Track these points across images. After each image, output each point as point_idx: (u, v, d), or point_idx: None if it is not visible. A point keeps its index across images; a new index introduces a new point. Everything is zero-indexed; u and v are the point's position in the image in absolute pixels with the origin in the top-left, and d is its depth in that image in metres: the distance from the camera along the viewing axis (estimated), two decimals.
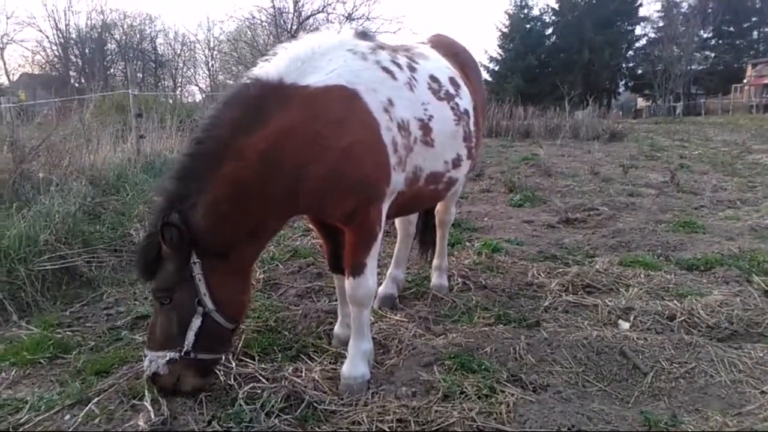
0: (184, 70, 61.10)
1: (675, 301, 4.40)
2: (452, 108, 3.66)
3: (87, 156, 7.13)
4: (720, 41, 62.91)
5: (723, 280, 4.98)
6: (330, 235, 3.71)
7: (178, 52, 59.37)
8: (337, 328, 3.88)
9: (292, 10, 23.21)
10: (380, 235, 3.30)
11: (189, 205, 2.83)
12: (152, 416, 2.91)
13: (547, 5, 61.31)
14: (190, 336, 2.92)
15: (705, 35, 61.49)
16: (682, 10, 61.07)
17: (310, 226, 5.13)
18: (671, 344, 3.69)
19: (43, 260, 4.87)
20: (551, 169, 11.48)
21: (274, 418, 2.90)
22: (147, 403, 3.01)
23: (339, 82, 3.02)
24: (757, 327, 4.04)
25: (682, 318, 4.13)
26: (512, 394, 3.12)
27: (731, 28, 62.40)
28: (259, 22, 24.03)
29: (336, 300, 4.04)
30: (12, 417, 2.97)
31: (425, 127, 3.39)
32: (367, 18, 27.67)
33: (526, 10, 59.97)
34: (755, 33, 63.70)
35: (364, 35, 3.50)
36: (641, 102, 67.21)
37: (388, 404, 3.04)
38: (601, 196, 8.99)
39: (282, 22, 23.10)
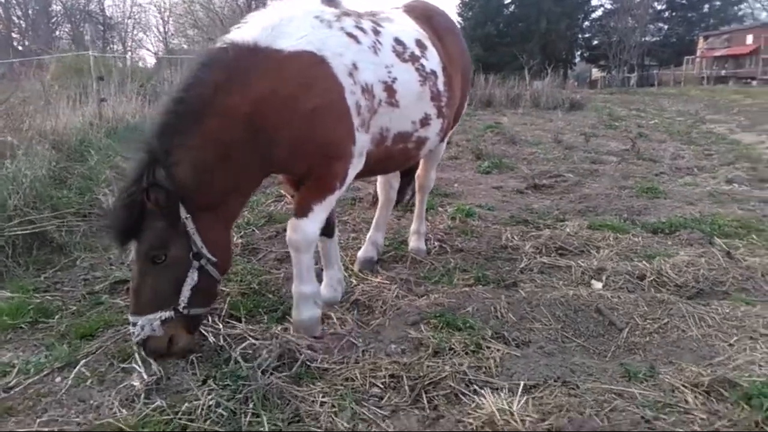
0: (134, 33, 58.90)
1: (644, 262, 4.59)
2: (417, 69, 3.74)
3: (48, 120, 6.88)
4: (673, 14, 64.18)
5: (687, 242, 5.20)
6: None
7: (128, 14, 57.10)
8: (321, 289, 3.91)
9: None
10: (338, 192, 3.39)
11: (172, 161, 2.82)
12: (145, 377, 2.92)
13: None
14: (186, 291, 2.95)
15: (659, 7, 62.71)
16: None
17: (282, 191, 5.06)
18: (644, 302, 3.86)
19: (12, 225, 4.74)
20: (515, 137, 11.65)
21: (269, 375, 2.94)
22: (138, 365, 3.02)
23: (308, 48, 3.12)
24: (722, 285, 4.25)
25: (652, 277, 4.31)
26: (498, 350, 3.24)
27: (684, 1, 63.62)
28: None
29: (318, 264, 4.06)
30: (0, 380, 2.93)
31: (389, 89, 3.49)
32: None
33: None
34: (706, 6, 65.07)
35: (330, 2, 3.60)
36: (596, 72, 68.32)
37: (379, 361, 3.12)
38: (565, 163, 9.20)
39: None
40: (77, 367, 3.01)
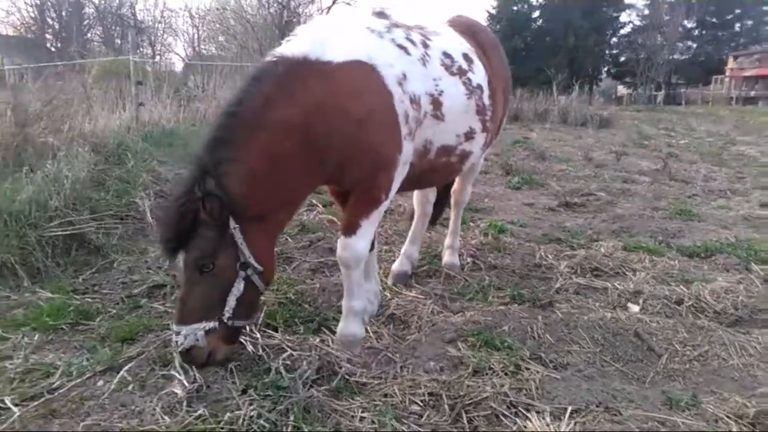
0: (164, 37, 59.73)
1: (681, 287, 4.53)
2: (464, 83, 3.75)
3: (88, 122, 7.00)
4: (703, 32, 63.47)
5: (723, 267, 5.13)
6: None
7: (158, 18, 57.91)
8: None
9: None
10: (384, 204, 3.41)
11: (221, 172, 2.86)
12: (186, 384, 2.95)
13: None
14: (231, 302, 2.95)
15: (689, 25, 62.09)
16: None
17: (330, 198, 5.00)
18: (684, 328, 3.81)
19: (53, 226, 4.82)
20: (545, 153, 11.60)
21: (309, 388, 2.94)
22: (178, 372, 3.05)
23: (358, 57, 3.15)
24: (761, 314, 4.17)
25: (690, 303, 4.25)
26: (537, 372, 3.21)
27: (714, 20, 62.92)
28: None
29: None
30: (44, 381, 2.98)
31: (435, 102, 3.50)
32: None
33: None
34: (737, 25, 64.34)
35: (380, 14, 3.63)
36: (621, 89, 67.74)
37: (418, 378, 3.11)
38: (596, 181, 9.13)
39: None
40: (120, 372, 3.05)
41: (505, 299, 4.29)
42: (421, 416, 2.85)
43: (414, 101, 3.31)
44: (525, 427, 2.69)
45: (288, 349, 3.33)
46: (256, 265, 2.99)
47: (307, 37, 3.16)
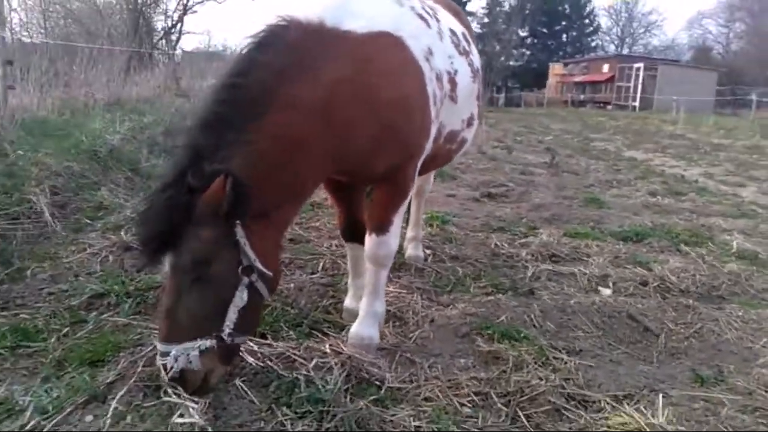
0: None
1: (639, 268, 4.67)
2: (469, 64, 3.54)
3: None
4: (535, 41, 68.99)
5: (659, 249, 5.40)
6: (345, 201, 3.42)
7: None
8: (347, 302, 3.56)
9: None
10: (410, 194, 3.14)
11: (221, 158, 2.32)
12: (193, 412, 2.42)
13: None
14: (232, 314, 2.39)
15: (522, 34, 67.04)
16: (504, 9, 65.84)
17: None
18: (671, 307, 3.90)
19: None
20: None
21: (351, 398, 2.56)
22: (178, 397, 2.51)
23: (384, 28, 2.75)
24: (716, 290, 4.41)
25: (656, 284, 4.38)
26: (569, 361, 3.07)
27: (544, 30, 68.72)
28: None
29: (343, 273, 3.70)
30: (11, 423, 2.30)
31: (452, 81, 3.23)
32: None
33: None
34: (564, 36, 70.82)
35: None
36: None
37: (456, 377, 2.85)
38: (500, 173, 9.34)
39: None
40: (108, 403, 2.43)
41: (486, 289, 4.14)
42: (476, 419, 2.58)
43: (439, 79, 3.00)
44: (595, 419, 2.53)
45: (297, 357, 2.89)
46: (262, 269, 2.43)
47: (321, 1, 2.70)
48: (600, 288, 4.34)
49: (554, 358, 3.09)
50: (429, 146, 3.04)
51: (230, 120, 2.36)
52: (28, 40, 13.61)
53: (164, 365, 2.32)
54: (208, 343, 2.32)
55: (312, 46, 2.51)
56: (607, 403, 2.67)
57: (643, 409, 2.53)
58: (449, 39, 3.29)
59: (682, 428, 2.42)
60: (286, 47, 2.48)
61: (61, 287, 3.71)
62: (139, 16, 21.59)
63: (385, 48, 2.72)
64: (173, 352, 2.29)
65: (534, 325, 3.58)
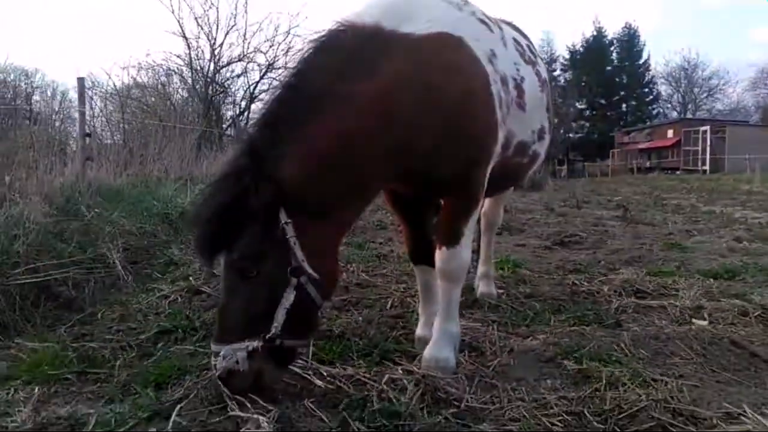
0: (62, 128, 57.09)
1: (736, 300, 4.27)
2: (536, 74, 3.46)
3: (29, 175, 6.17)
4: (594, 112, 68.79)
5: (756, 284, 4.94)
6: (413, 220, 3.32)
7: (56, 108, 55.51)
8: (419, 330, 3.36)
9: (207, 58, 22.52)
10: (481, 204, 3.04)
11: (276, 154, 2.32)
12: (263, 424, 2.25)
13: None
14: (281, 315, 2.36)
15: (580, 107, 67.09)
16: (560, 83, 66.42)
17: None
18: None
19: (17, 273, 3.97)
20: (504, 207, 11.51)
21: (428, 413, 2.33)
22: (242, 410, 2.34)
23: (443, 29, 2.72)
24: None
25: (757, 313, 3.96)
26: (668, 381, 2.74)
27: (602, 101, 68.60)
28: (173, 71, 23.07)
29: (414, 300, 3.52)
30: None
31: (518, 88, 3.15)
32: (286, 68, 27.48)
33: None
34: (624, 106, 70.39)
35: None
36: None
37: (544, 397, 2.57)
38: (570, 226, 9.01)
39: (199, 67, 22.33)
40: (171, 417, 2.30)
41: (568, 322, 3.84)
42: None
43: (504, 83, 2.92)
44: None
45: (368, 380, 2.69)
46: (311, 271, 2.38)
47: (377, 5, 2.71)
48: (694, 320, 3.96)
49: (652, 379, 2.77)
50: (497, 152, 2.92)
51: (288, 119, 2.39)
52: (110, 142, 14.49)
53: (215, 365, 2.34)
54: (254, 344, 2.31)
55: (369, 46, 2.53)
56: (721, 420, 2.34)
57: (765, 411, 2.18)
58: (513, 47, 3.24)
59: None
60: (343, 49, 2.51)
61: (130, 325, 3.70)
62: (209, 106, 22.81)
63: (446, 46, 2.69)
64: (222, 352, 2.30)
65: (626, 354, 3.25)
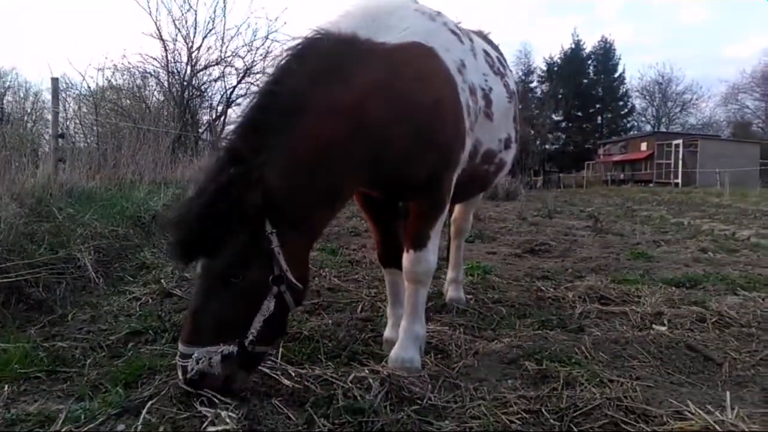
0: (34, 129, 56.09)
1: (695, 307, 4.42)
2: (504, 85, 3.58)
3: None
4: (570, 124, 69.64)
5: (716, 292, 5.11)
6: (383, 223, 3.41)
7: (28, 110, 54.61)
8: (387, 332, 3.44)
9: (185, 61, 22.36)
10: (447, 209, 3.12)
11: (258, 162, 2.37)
12: (228, 420, 2.30)
13: None
14: (258, 322, 2.43)
15: (556, 119, 67.91)
16: (537, 95, 67.25)
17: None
18: (732, 337, 3.65)
19: None
20: (476, 215, 11.65)
21: (392, 410, 2.41)
22: (209, 408, 2.39)
23: (415, 39, 2.84)
24: None
25: (714, 319, 4.11)
26: (625, 382, 2.86)
27: (579, 113, 69.49)
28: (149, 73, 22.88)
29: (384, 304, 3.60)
30: (41, 430, 2.22)
31: (486, 98, 3.27)
32: (264, 73, 27.36)
33: None
34: (599, 118, 71.40)
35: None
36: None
37: (504, 396, 2.67)
38: (541, 235, 9.18)
39: (176, 70, 22.16)
40: (141, 414, 2.34)
41: (533, 326, 3.95)
42: None
43: (473, 92, 3.04)
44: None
45: (335, 380, 2.76)
46: (292, 279, 2.47)
47: (354, 15, 2.80)
48: (654, 325, 4.10)
49: (609, 380, 2.88)
50: (465, 158, 3.02)
51: (267, 125, 2.44)
52: (84, 144, 14.34)
53: (183, 367, 2.36)
54: (230, 348, 2.37)
55: (345, 54, 2.60)
56: (671, 418, 2.45)
57: (710, 408, 2.30)
58: (483, 58, 3.35)
59: (756, 427, 2.18)
60: (320, 56, 2.57)
61: (101, 326, 3.72)
62: (185, 109, 22.61)
63: (418, 56, 2.80)
64: (195, 355, 2.34)
65: (586, 356, 3.36)
